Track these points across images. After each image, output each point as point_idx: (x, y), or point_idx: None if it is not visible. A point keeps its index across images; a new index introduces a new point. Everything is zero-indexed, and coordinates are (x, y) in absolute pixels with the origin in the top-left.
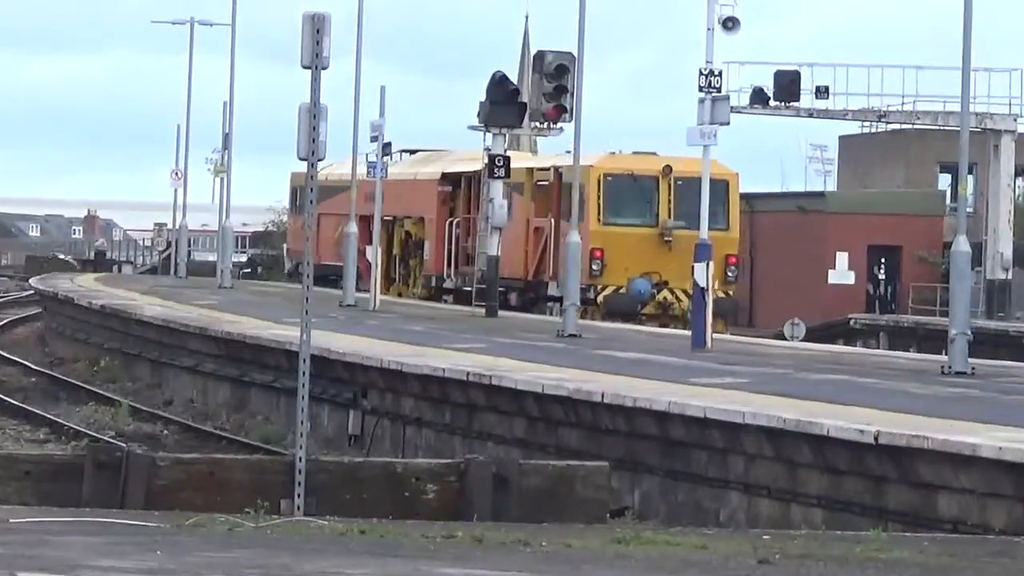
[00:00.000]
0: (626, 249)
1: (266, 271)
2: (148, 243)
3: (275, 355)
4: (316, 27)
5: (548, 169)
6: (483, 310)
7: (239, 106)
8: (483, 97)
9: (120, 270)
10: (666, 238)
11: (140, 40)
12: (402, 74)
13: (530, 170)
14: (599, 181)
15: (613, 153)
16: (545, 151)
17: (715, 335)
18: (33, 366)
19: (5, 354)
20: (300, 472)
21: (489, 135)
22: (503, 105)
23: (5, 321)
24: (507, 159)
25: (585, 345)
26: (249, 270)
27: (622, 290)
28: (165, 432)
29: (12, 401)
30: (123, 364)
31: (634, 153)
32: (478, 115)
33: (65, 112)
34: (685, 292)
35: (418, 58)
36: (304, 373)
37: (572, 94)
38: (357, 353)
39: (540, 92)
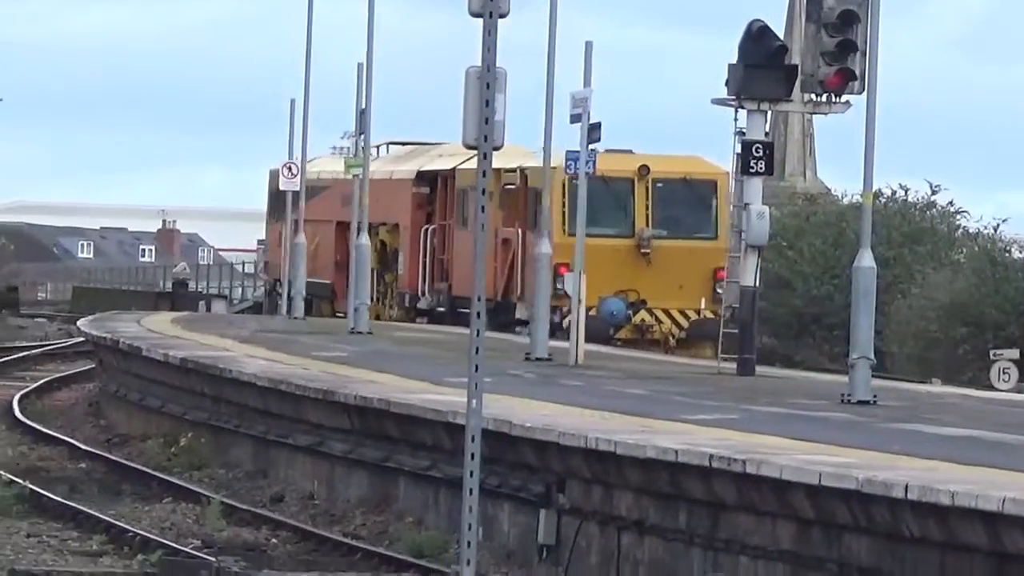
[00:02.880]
0: (596, 264)
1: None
2: (249, 268)
3: (432, 430)
4: None
5: (515, 171)
6: (733, 366)
7: (379, 70)
8: (734, 58)
9: (210, 308)
10: (643, 250)
11: None
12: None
13: (498, 171)
14: (564, 185)
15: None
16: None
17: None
18: (83, 446)
19: (43, 428)
20: None
21: (743, 112)
22: (763, 69)
23: (43, 381)
24: (769, 146)
25: (883, 416)
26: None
27: (592, 312)
28: (272, 541)
29: (53, 496)
30: (213, 443)
31: (606, 151)
32: (727, 83)
33: (127, 81)
34: (667, 312)
35: (640, 1)
36: (474, 456)
37: (864, 53)
38: (551, 427)
39: (817, 50)
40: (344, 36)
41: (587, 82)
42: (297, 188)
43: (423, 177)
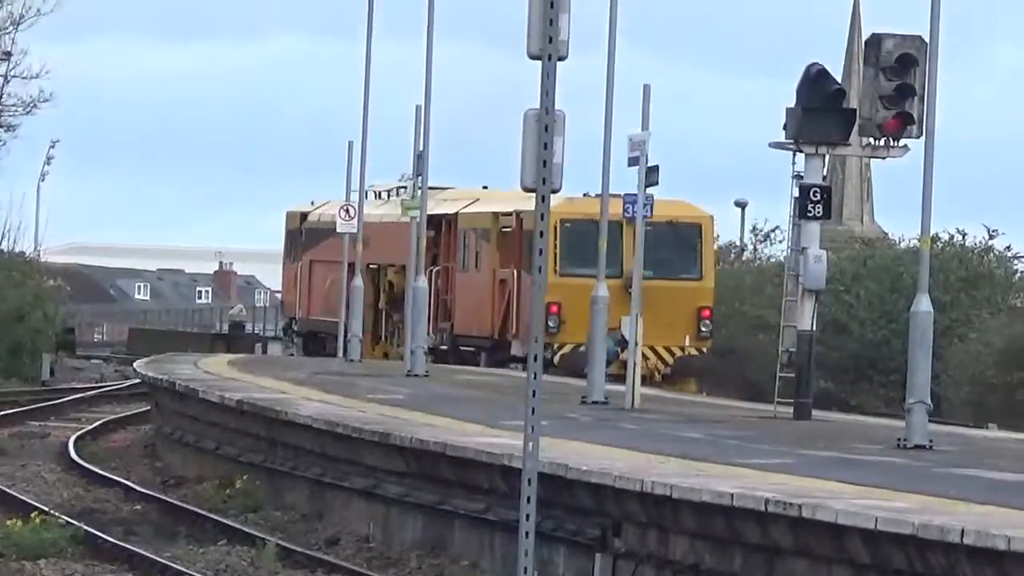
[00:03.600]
0: (587, 303)
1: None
2: None
3: (488, 473)
4: (551, 0)
5: (511, 214)
6: (790, 410)
7: (437, 112)
8: (792, 101)
9: (266, 350)
10: (631, 290)
11: (296, 23)
12: (675, 70)
13: (495, 215)
14: (556, 228)
15: (572, 198)
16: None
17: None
18: (138, 487)
19: (98, 470)
20: None
21: (800, 156)
22: (821, 113)
23: (99, 422)
24: (826, 190)
25: (939, 461)
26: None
27: (582, 348)
28: None
29: (109, 539)
30: (269, 485)
31: (596, 196)
32: (785, 127)
33: (187, 124)
34: (653, 349)
35: (697, 46)
36: (530, 500)
37: (922, 97)
38: (607, 471)
39: (875, 94)
40: (402, 78)
41: (645, 125)
42: (354, 230)
43: (428, 221)
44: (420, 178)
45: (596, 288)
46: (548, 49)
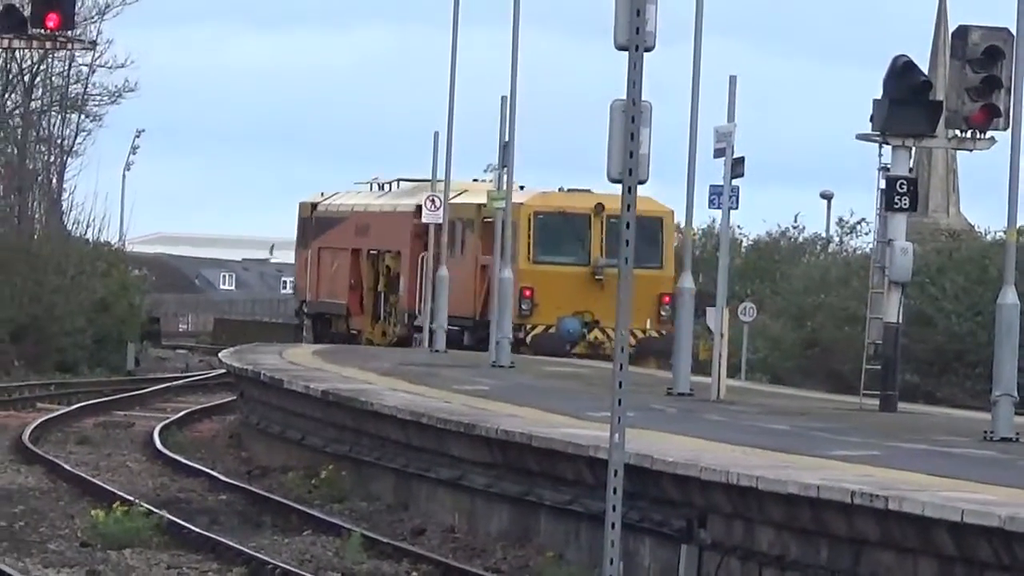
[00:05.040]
0: (557, 288)
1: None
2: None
3: (574, 464)
4: None
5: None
6: (875, 402)
7: (522, 103)
8: (879, 93)
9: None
10: (597, 276)
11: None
12: (761, 61)
13: (479, 206)
14: (529, 219)
15: (545, 192)
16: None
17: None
18: (223, 477)
19: (184, 460)
20: None
21: (887, 148)
22: (907, 106)
23: (184, 412)
24: (913, 182)
25: (1023, 454)
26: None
27: (552, 329)
28: (413, 575)
29: (194, 528)
30: (354, 476)
31: (568, 190)
32: (871, 119)
33: (273, 115)
34: None
35: (783, 36)
36: (616, 491)
37: (1009, 89)
38: (693, 463)
39: (961, 86)
40: (488, 69)
41: (731, 116)
42: (440, 220)
43: (421, 210)
44: (505, 171)
45: (682, 279)
46: (635, 40)
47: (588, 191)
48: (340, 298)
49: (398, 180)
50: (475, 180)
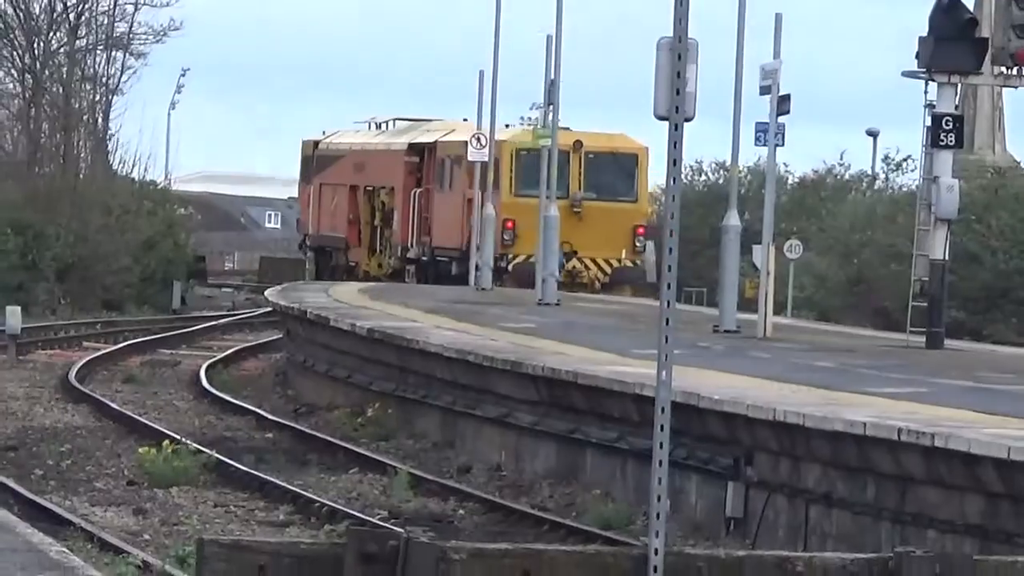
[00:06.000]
0: (537, 220)
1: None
2: None
3: (620, 402)
4: None
5: None
6: (922, 339)
7: (568, 41)
8: (924, 31)
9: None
10: (575, 209)
11: None
12: None
13: (466, 143)
14: (511, 155)
15: (527, 128)
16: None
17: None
18: (270, 416)
19: (231, 399)
20: (656, 570)
21: (933, 85)
22: (953, 42)
23: (231, 351)
24: (959, 119)
25: None
26: None
27: (532, 259)
28: (460, 512)
29: (240, 467)
30: (400, 414)
31: (546, 128)
32: (917, 56)
33: (317, 55)
34: (594, 261)
35: None
36: (663, 428)
37: None
38: (739, 400)
39: (1007, 23)
40: (534, 8)
41: (776, 54)
42: (485, 158)
43: (413, 148)
44: (551, 108)
45: (728, 217)
46: None
47: (567, 129)
48: (339, 232)
49: (394, 119)
50: (465, 120)
